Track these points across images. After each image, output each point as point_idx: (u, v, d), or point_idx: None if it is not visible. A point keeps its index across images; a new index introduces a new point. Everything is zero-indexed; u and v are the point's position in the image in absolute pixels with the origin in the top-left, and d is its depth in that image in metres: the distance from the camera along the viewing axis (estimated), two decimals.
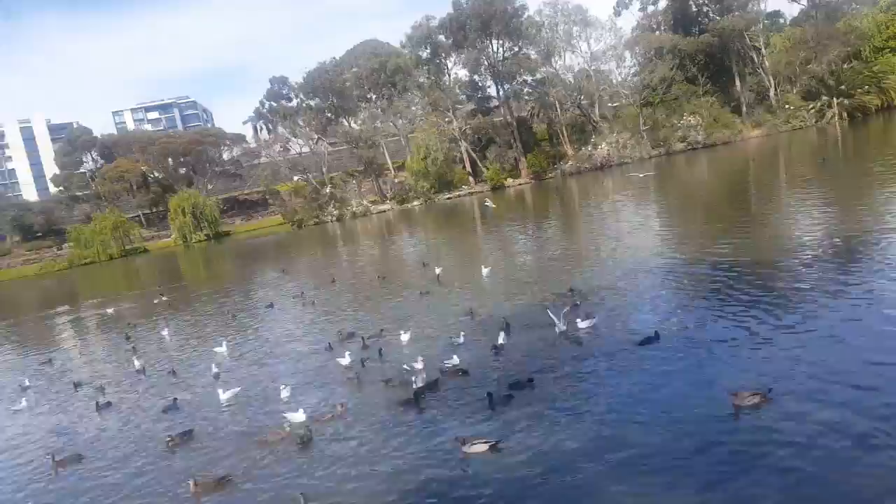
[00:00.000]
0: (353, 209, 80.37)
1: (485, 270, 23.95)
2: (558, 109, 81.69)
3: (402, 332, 17.05)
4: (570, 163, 77.65)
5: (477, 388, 12.52)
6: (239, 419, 13.70)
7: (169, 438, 12.77)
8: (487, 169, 79.08)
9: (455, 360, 13.96)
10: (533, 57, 79.60)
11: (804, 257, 18.14)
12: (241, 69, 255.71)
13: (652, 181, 49.91)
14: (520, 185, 76.95)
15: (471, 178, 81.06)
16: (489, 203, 48.49)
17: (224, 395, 14.95)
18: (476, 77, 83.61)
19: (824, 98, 70.56)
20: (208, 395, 15.45)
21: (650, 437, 9.61)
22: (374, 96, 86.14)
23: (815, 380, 10.39)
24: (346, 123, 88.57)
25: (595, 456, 9.38)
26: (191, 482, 10.56)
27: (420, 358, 14.31)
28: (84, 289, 58.36)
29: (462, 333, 15.67)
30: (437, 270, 25.57)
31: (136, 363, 19.66)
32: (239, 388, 15.32)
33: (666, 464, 8.88)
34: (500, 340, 14.86)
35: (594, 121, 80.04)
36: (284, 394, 14.28)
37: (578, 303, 17.04)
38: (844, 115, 68.88)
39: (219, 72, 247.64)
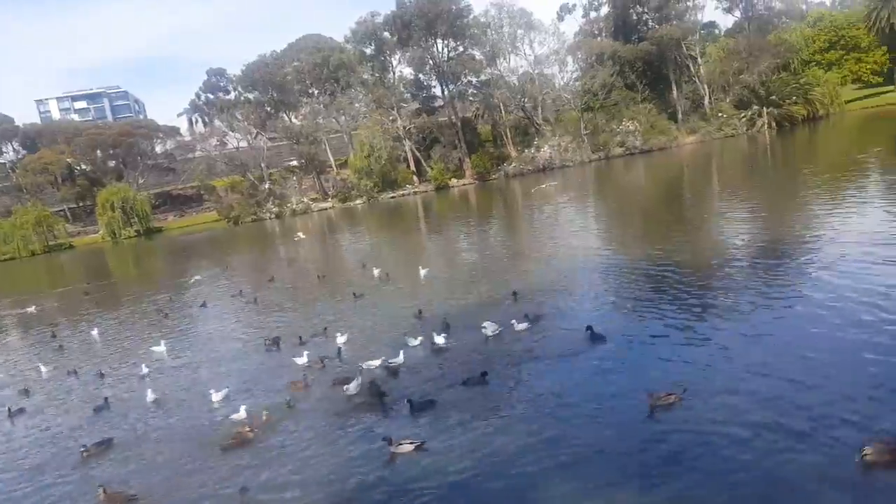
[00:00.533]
0: (294, 206, 78.73)
1: (423, 272, 23.64)
2: (502, 111, 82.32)
3: (338, 334, 16.60)
4: (513, 164, 78.33)
5: (417, 388, 12.30)
6: (170, 422, 13.07)
7: (83, 449, 11.92)
8: (432, 168, 78.90)
9: (400, 358, 13.77)
10: (478, 58, 79.84)
11: (736, 259, 18.80)
12: (175, 60, 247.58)
13: (561, 189, 50.94)
14: (464, 185, 77.09)
15: (415, 178, 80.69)
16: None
17: (152, 397, 14.28)
18: (421, 76, 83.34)
19: (755, 107, 73.52)
20: (138, 398, 14.68)
21: (587, 436, 9.64)
22: (316, 91, 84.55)
23: (747, 376, 10.67)
24: (286, 118, 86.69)
25: (531, 455, 9.33)
26: (100, 490, 10.00)
27: (381, 358, 14.03)
28: (3, 286, 54.95)
29: (420, 337, 15.23)
30: (376, 272, 25.12)
31: (43, 369, 18.55)
32: (168, 390, 14.66)
33: (603, 462, 8.92)
34: (440, 341, 14.64)
35: (537, 123, 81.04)
36: (217, 396, 13.66)
37: (514, 322, 15.17)
38: (773, 123, 71.92)
39: (152, 62, 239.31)
